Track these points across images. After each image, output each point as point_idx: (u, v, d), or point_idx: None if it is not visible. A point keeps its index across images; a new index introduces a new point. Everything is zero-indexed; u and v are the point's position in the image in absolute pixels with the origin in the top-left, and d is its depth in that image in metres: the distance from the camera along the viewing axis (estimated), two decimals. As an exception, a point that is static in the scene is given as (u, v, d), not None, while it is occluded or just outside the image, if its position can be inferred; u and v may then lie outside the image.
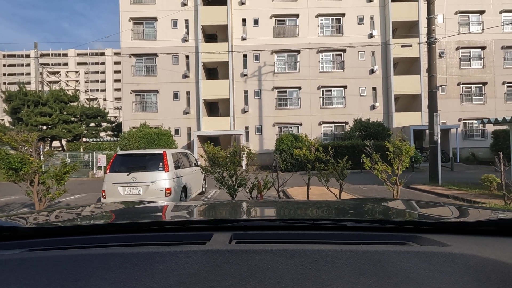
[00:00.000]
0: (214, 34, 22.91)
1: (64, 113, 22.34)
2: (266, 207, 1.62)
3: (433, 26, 11.11)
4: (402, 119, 21.13)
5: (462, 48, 21.66)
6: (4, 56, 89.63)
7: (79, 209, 1.62)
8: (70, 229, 1.05)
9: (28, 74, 73.15)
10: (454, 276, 0.63)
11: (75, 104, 23.72)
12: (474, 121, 21.25)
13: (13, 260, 0.73)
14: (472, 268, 0.66)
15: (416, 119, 21.10)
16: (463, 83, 21.55)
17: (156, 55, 21.65)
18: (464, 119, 21.48)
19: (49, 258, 0.73)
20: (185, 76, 21.59)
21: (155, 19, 21.71)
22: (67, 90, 24.65)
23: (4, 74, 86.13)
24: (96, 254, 0.74)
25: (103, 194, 6.54)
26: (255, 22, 21.80)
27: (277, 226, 1.02)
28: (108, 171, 6.67)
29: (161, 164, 6.70)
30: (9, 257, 0.75)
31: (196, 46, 21.45)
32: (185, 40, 21.61)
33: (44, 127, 21.96)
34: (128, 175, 6.49)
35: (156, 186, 6.48)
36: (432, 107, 11.02)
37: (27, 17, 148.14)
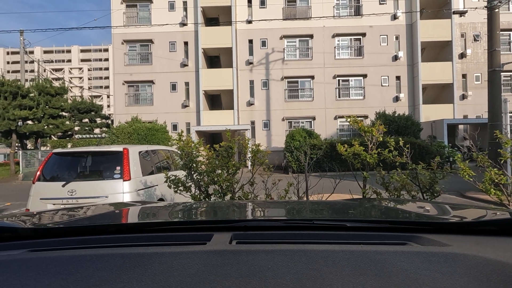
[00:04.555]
0: (216, 17, 20.44)
1: (52, 107, 20.15)
2: (267, 207, 1.55)
3: (496, -14, 8.50)
4: (430, 112, 18.41)
5: (501, 30, 18.73)
6: (8, 53, 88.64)
7: (79, 210, 1.59)
8: (70, 229, 1.03)
9: (32, 71, 71.96)
10: (454, 276, 0.62)
11: (64, 97, 21.50)
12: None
13: (13, 260, 0.73)
14: (473, 268, 0.65)
15: (446, 112, 18.34)
16: (503, 71, 18.65)
17: (151, 41, 19.30)
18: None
19: (50, 258, 0.73)
20: (184, 65, 19.22)
21: (150, 0, 19.37)
22: (71, 86, 22.46)
23: (8, 72, 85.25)
24: (96, 254, 0.74)
25: (26, 215, 4.19)
26: (262, 3, 19.26)
27: (277, 226, 1.01)
28: (35, 179, 4.29)
29: (118, 168, 4.31)
30: (10, 258, 0.75)
31: (196, 31, 19.03)
32: (183, 24, 19.21)
33: (30, 122, 19.84)
34: (64, 186, 4.11)
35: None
36: (495, 91, 8.46)
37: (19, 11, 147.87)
